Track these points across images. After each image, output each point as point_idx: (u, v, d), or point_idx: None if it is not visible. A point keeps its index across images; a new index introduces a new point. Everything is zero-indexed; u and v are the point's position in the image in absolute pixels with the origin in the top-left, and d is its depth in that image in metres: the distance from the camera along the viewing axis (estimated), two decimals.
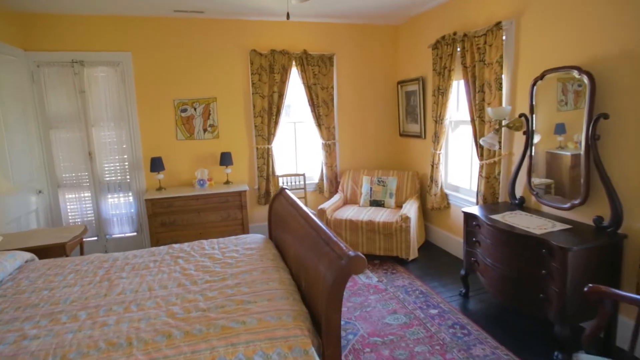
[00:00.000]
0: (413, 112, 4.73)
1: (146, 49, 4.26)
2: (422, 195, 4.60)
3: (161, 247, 2.75)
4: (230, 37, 4.47)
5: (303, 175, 4.79)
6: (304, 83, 4.66)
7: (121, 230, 4.51)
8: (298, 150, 5.07)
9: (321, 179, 4.98)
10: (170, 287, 2.13)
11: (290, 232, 2.50)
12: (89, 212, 4.39)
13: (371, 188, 4.57)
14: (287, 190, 3.05)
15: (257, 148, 4.68)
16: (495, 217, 2.84)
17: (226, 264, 2.40)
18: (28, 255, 2.57)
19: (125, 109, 4.29)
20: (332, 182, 4.96)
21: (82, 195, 4.35)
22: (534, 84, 2.88)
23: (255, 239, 2.86)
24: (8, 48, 3.71)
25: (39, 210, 4.03)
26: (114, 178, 4.40)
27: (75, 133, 4.21)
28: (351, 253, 1.65)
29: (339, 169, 5.06)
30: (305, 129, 5.03)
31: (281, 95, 4.61)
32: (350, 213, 4.26)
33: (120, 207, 4.47)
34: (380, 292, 3.34)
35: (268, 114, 4.63)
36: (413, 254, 3.98)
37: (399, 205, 4.47)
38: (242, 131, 4.70)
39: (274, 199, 3.16)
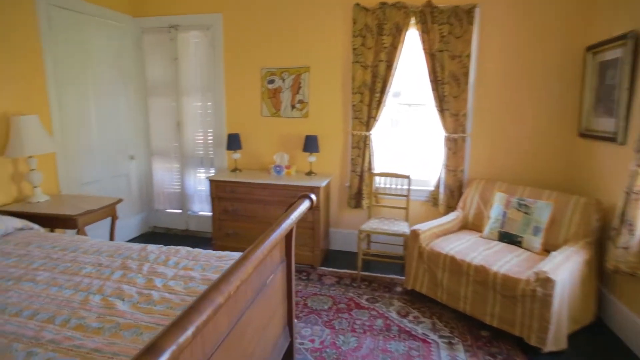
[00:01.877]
0: (608, 98, 2.73)
1: (237, 9, 3.70)
2: (600, 242, 2.64)
3: (132, 245, 2.09)
4: None
5: (408, 177, 3.45)
6: (425, 49, 3.28)
7: (201, 208, 4.21)
8: (406, 142, 3.72)
9: (437, 186, 3.53)
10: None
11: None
12: (175, 184, 4.24)
13: (505, 213, 2.90)
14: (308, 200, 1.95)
15: (352, 134, 3.59)
16: None
17: (145, 300, 1.53)
18: (19, 224, 2.31)
19: (212, 78, 3.88)
20: (452, 193, 3.45)
21: (172, 166, 4.21)
22: None
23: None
24: (117, 15, 3.73)
25: (130, 175, 4.05)
26: (199, 152, 4.10)
27: (167, 102, 4.06)
28: None
29: (466, 176, 3.48)
30: (420, 114, 3.63)
31: (390, 66, 3.37)
32: (459, 246, 2.76)
33: (203, 184, 4.17)
34: None
35: (370, 91, 3.46)
36: (555, 343, 2.24)
37: (547, 250, 2.68)
38: (335, 111, 3.69)
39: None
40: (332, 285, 3.15)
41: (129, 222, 4.07)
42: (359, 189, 3.67)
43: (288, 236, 2.03)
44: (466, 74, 3.25)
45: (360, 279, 3.24)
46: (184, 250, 2.04)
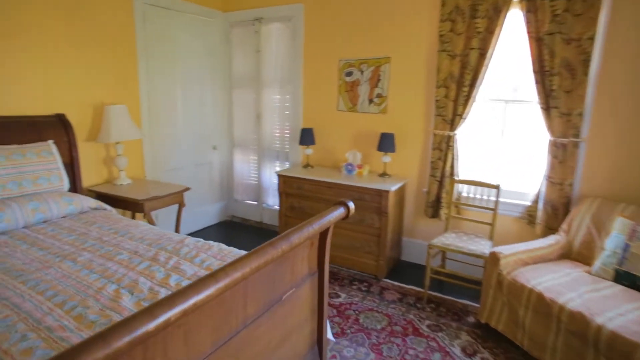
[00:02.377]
0: None
1: None
2: None
3: (173, 236, 2.08)
4: None
5: (497, 188, 2.89)
6: (530, 33, 2.67)
7: (275, 201, 4.20)
8: (498, 146, 3.12)
9: (536, 201, 2.88)
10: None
11: None
12: (253, 175, 4.32)
13: (627, 246, 2.19)
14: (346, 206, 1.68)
15: (434, 134, 3.16)
16: None
17: (151, 297, 1.46)
18: (93, 204, 2.52)
19: (291, 70, 3.80)
20: (555, 212, 2.78)
21: (251, 157, 4.29)
22: None
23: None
24: (208, 11, 3.90)
25: (213, 164, 4.24)
26: (275, 145, 4.09)
27: (249, 94, 4.12)
28: None
29: (575, 192, 2.77)
30: (518, 113, 2.99)
31: (483, 55, 2.84)
32: (553, 280, 2.18)
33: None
34: None
35: (457, 84, 2.98)
36: None
37: None
38: (416, 107, 3.28)
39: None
40: (392, 302, 2.81)
41: (209, 210, 4.28)
42: (438, 197, 3.22)
43: (322, 246, 1.79)
44: (586, 63, 2.55)
45: (426, 300, 2.83)
46: (216, 247, 1.96)
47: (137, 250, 1.91)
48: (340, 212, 1.68)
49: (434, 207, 3.26)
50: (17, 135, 2.47)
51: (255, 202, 4.34)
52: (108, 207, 2.60)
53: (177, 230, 3.14)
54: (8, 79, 2.50)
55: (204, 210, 4.20)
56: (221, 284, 1.05)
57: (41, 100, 2.68)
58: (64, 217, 2.36)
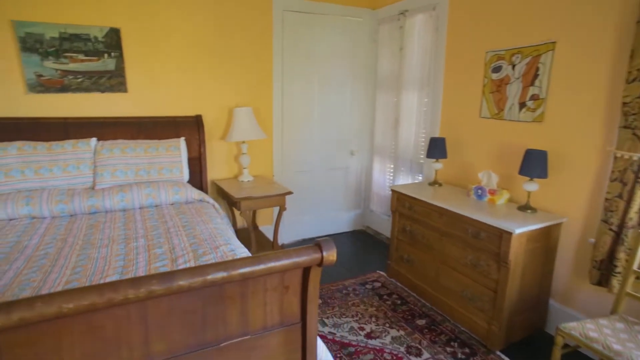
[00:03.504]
0: None
1: None
2: None
3: (231, 239, 2.05)
4: None
5: None
6: None
7: None
8: None
9: None
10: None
11: None
12: (388, 186, 3.92)
13: None
14: None
15: (615, 156, 2.02)
16: None
17: None
18: (197, 196, 2.80)
19: (432, 69, 3.20)
20: None
21: (387, 166, 3.91)
22: None
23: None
24: (357, 10, 3.76)
25: (349, 170, 4.10)
26: (410, 155, 3.57)
27: (391, 97, 3.73)
28: None
29: None
30: None
31: None
32: None
33: None
34: None
35: None
36: None
37: None
38: (590, 113, 2.16)
39: None
40: None
41: (342, 216, 4.16)
42: (611, 255, 2.05)
43: (305, 291, 1.39)
44: None
45: None
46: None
47: (185, 243, 2.01)
48: (308, 257, 1.24)
49: (602, 270, 2.09)
50: (160, 131, 3.02)
51: (388, 217, 3.94)
52: (211, 200, 2.85)
53: (275, 232, 3.17)
54: (158, 87, 3.07)
55: (336, 216, 4.12)
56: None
57: (184, 104, 3.18)
58: (172, 204, 2.74)
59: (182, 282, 1.06)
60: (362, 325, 2.51)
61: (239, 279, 1.12)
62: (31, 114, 2.70)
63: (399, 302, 2.81)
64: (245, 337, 1.32)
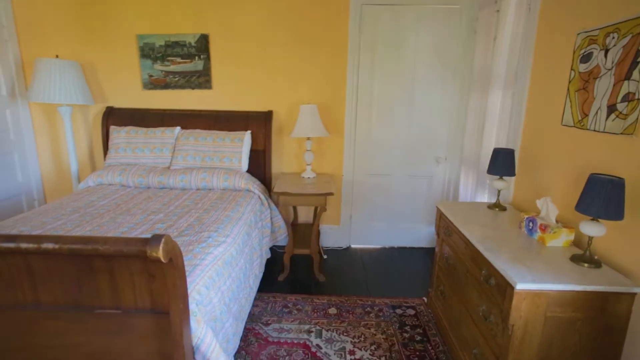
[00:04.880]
0: None
1: None
2: None
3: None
4: None
5: None
6: None
7: None
8: None
9: None
10: None
11: None
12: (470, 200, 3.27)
13: None
14: None
15: None
16: None
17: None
18: (244, 186, 3.01)
19: (520, 61, 2.50)
20: None
21: (471, 178, 3.26)
22: None
23: None
24: None
25: (433, 179, 3.64)
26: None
27: (479, 97, 3.09)
28: None
29: None
30: None
31: None
32: None
33: None
34: None
35: None
36: None
37: None
38: None
39: None
40: None
41: (420, 230, 3.73)
42: None
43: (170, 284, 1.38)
44: None
45: None
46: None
47: (172, 225, 2.26)
48: (134, 247, 1.23)
49: None
50: (233, 124, 3.37)
51: None
52: (256, 191, 3.03)
53: (313, 233, 3.08)
54: (237, 85, 3.41)
55: (412, 228, 3.72)
56: None
57: (259, 99, 3.45)
58: (222, 189, 3.05)
59: (24, 245, 1.25)
60: (354, 349, 2.25)
61: (67, 252, 1.24)
62: (142, 105, 3.46)
63: (418, 338, 2.37)
64: (118, 311, 1.43)
